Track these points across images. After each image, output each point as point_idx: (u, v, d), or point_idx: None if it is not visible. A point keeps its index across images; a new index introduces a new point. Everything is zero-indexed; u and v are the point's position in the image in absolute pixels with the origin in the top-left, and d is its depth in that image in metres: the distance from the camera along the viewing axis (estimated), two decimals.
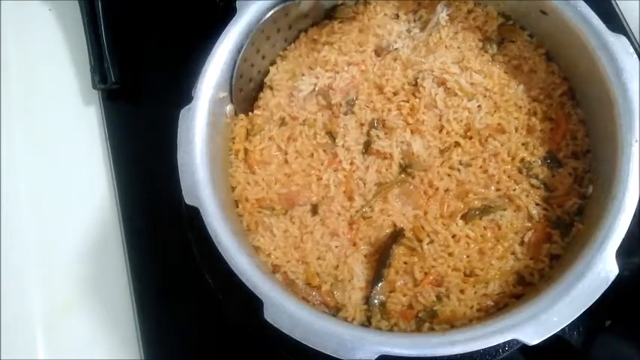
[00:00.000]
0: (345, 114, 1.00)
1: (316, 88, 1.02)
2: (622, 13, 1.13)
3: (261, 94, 1.05)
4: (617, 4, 1.15)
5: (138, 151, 1.19)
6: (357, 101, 1.00)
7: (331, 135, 0.99)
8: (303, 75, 1.04)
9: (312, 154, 0.99)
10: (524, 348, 0.84)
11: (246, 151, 1.01)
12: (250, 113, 1.04)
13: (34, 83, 1.28)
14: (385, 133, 0.98)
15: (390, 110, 0.99)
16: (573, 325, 0.79)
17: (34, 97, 1.27)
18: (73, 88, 1.27)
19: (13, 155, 1.23)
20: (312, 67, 1.04)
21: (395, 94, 1.00)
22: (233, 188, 0.99)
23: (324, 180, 0.97)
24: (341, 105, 1.00)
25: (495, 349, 0.83)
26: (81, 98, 1.27)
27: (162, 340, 1.10)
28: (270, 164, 1.00)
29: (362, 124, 0.99)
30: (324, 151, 0.99)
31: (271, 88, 1.05)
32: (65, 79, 1.28)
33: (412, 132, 0.97)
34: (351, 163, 0.97)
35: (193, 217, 0.87)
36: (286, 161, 0.99)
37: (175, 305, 1.10)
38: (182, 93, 0.93)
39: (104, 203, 1.19)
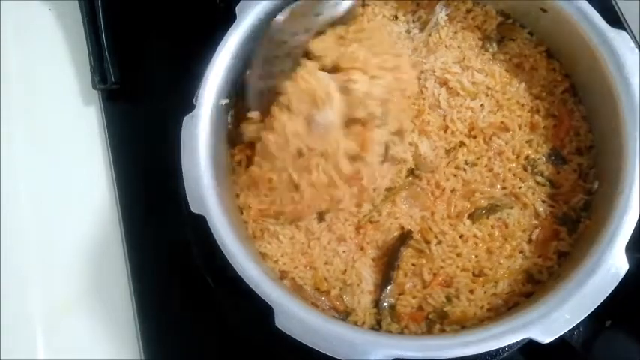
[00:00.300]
0: (379, 127, 0.86)
1: (349, 94, 0.85)
2: (622, 12, 1.08)
3: (277, 111, 0.86)
4: (616, 3, 1.10)
5: (138, 151, 1.13)
6: (389, 111, 0.87)
7: (358, 156, 0.85)
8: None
9: (327, 184, 0.87)
10: (524, 348, 0.81)
11: (250, 170, 0.89)
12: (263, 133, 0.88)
13: (34, 83, 1.21)
14: (399, 138, 0.90)
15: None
16: (573, 325, 0.73)
17: (34, 97, 1.20)
18: (73, 88, 1.20)
19: (13, 155, 1.15)
20: (339, 63, 0.87)
21: (409, 96, 0.93)
22: (237, 195, 0.91)
23: (337, 197, 0.87)
24: (376, 117, 0.85)
25: (496, 349, 0.77)
26: (81, 98, 1.19)
27: (162, 340, 1.04)
28: (278, 189, 0.88)
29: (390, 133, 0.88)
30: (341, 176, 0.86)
31: (289, 109, 0.86)
32: (65, 79, 1.20)
33: (420, 133, 0.91)
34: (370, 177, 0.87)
35: (193, 217, 0.81)
36: (296, 189, 0.87)
37: (175, 305, 1.05)
38: (182, 93, 0.87)
39: (104, 203, 1.12)
